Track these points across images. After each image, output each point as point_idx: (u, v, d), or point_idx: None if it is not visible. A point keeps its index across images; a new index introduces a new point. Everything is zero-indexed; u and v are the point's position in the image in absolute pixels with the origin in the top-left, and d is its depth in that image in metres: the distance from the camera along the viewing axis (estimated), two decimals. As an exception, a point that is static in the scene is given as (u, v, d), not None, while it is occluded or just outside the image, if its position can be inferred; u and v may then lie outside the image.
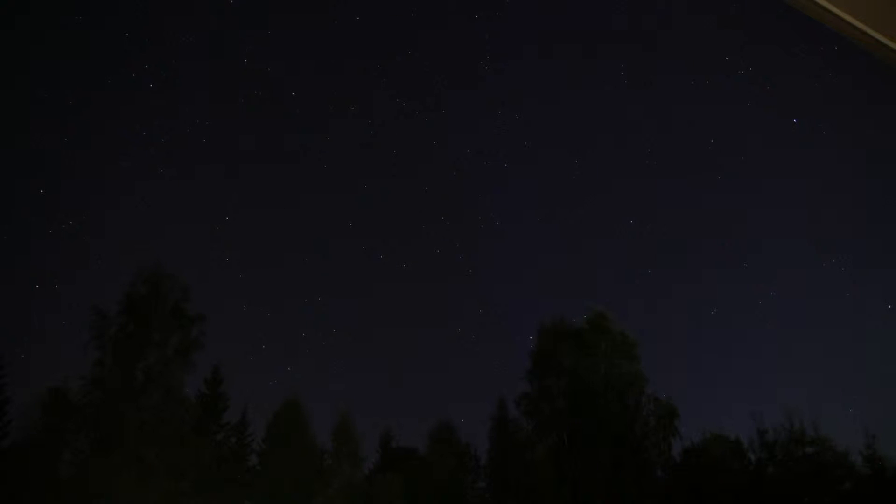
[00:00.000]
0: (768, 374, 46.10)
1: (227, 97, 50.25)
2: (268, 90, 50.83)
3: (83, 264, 40.33)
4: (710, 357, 48.06)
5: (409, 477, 32.62)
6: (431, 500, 32.41)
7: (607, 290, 55.05)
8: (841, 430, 37.15)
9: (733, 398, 46.57)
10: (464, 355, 48.84)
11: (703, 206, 51.81)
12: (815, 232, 46.41)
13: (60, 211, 40.26)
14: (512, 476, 33.94)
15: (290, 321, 46.32)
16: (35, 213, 41.23)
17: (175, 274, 30.55)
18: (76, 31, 45.76)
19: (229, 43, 50.96)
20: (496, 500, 35.13)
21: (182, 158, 46.85)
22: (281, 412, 32.37)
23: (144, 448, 26.49)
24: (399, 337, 51.07)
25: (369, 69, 53.74)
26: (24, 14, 40.92)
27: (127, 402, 27.30)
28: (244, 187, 50.85)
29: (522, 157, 55.66)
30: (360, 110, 53.22)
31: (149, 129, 44.75)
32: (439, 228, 51.65)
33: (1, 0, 38.90)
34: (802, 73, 47.89)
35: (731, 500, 31.54)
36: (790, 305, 47.05)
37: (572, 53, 54.59)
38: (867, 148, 47.49)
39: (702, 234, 52.12)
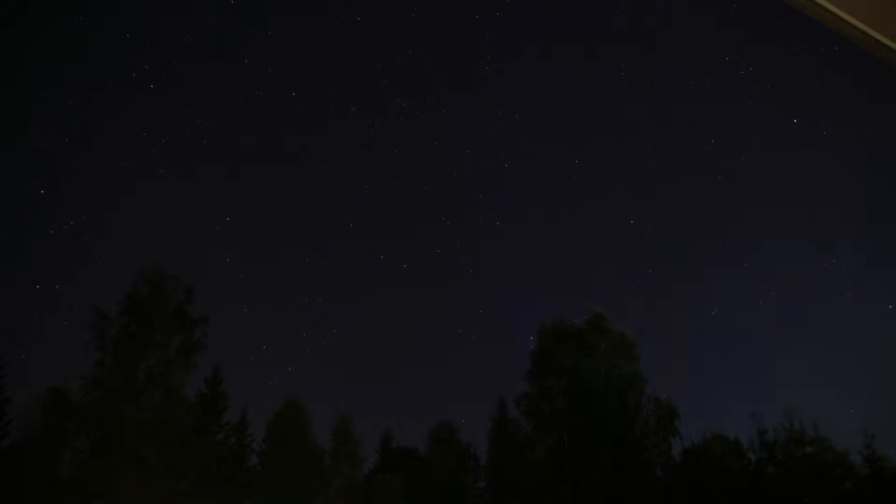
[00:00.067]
0: (768, 374, 46.03)
1: (227, 98, 50.34)
2: (268, 90, 50.95)
3: (83, 265, 40.41)
4: (710, 357, 48.09)
5: (409, 477, 32.62)
6: (431, 500, 32.40)
7: (607, 291, 55.03)
8: (840, 430, 37.23)
9: (733, 398, 46.62)
10: (464, 355, 48.91)
11: (703, 207, 51.94)
12: (815, 232, 46.42)
13: (61, 211, 40.32)
14: (512, 476, 33.93)
15: (291, 321, 46.42)
16: (35, 214, 41.28)
17: (177, 275, 30.62)
18: (76, 32, 45.78)
19: (229, 43, 51.04)
20: (496, 500, 35.13)
21: (183, 159, 46.97)
22: (281, 412, 32.39)
23: (144, 448, 26.45)
24: (399, 337, 51.14)
25: (369, 69, 53.78)
26: (24, 14, 40.97)
27: (127, 402, 27.28)
28: (245, 188, 51.00)
29: (522, 157, 55.75)
30: (360, 110, 53.19)
31: (149, 129, 44.81)
32: (439, 229, 51.71)
33: (1, 0, 38.91)
34: (802, 73, 47.97)
35: (731, 500, 31.55)
36: (790, 305, 47.08)
37: (572, 54, 54.69)
38: (867, 148, 47.53)
39: (702, 234, 52.23)
